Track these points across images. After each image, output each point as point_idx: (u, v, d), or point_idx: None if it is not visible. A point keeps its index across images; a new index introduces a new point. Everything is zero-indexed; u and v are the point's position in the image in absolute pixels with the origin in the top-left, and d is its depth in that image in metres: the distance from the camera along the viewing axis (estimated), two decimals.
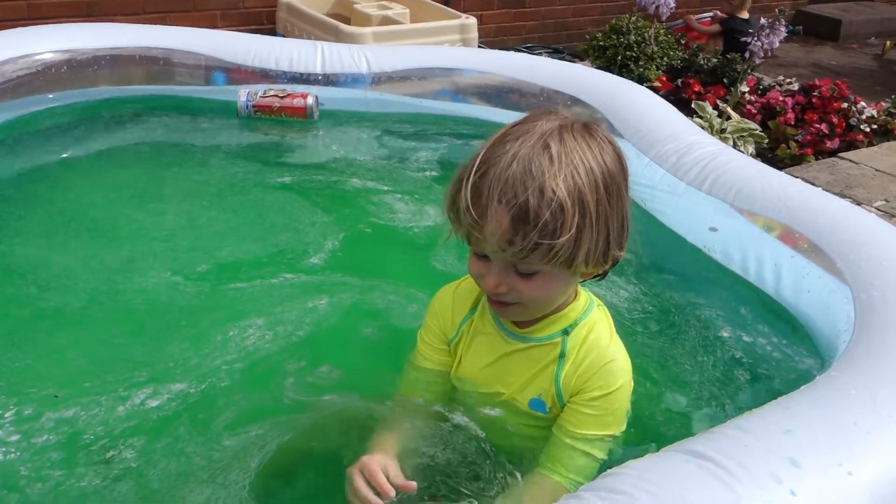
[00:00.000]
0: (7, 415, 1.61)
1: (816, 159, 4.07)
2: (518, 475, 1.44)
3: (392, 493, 1.26)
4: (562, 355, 1.40)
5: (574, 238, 1.20)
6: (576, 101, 3.10)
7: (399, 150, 3.14)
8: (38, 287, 2.10)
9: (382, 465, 1.30)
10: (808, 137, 4.19)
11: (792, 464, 1.19)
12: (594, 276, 1.37)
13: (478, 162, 1.23)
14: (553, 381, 1.41)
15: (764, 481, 1.16)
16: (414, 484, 1.30)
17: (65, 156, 3.03)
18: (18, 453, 1.53)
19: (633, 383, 1.43)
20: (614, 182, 1.25)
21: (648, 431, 1.63)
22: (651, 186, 2.54)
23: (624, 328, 1.86)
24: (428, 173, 2.94)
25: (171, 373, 1.77)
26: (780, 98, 4.49)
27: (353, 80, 3.34)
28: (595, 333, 1.41)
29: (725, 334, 2.05)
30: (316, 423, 1.60)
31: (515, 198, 1.18)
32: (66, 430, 1.58)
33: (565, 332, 1.40)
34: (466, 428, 1.48)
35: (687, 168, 2.52)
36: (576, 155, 1.21)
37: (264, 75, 3.29)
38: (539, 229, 1.18)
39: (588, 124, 1.28)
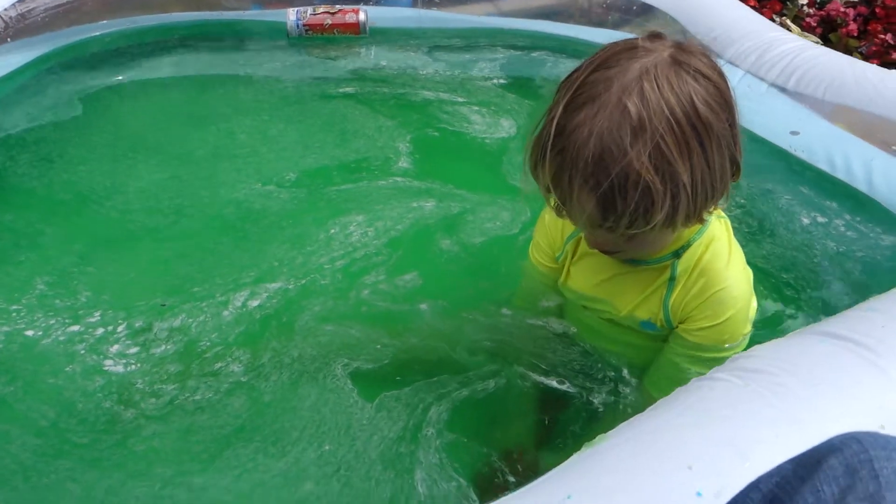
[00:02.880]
0: (119, 328, 1.59)
1: None
2: (628, 379, 1.42)
3: None
4: (671, 279, 1.28)
5: (670, 210, 1.05)
6: (645, 6, 2.97)
7: (458, 63, 3.03)
8: (118, 211, 2.06)
9: None
10: (873, 49, 4.02)
11: None
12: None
13: (553, 132, 1.05)
14: (661, 306, 1.31)
15: None
16: None
17: (115, 83, 2.95)
18: (134, 366, 1.52)
19: (753, 305, 1.29)
20: (711, 130, 1.03)
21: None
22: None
23: None
24: (495, 81, 2.85)
25: (275, 273, 1.74)
26: (841, 9, 4.30)
27: None
28: (710, 253, 1.26)
29: (818, 233, 1.97)
30: (417, 334, 1.57)
31: (598, 185, 1.02)
32: (179, 339, 1.56)
33: (676, 255, 1.26)
34: (573, 337, 1.47)
35: (769, 66, 2.41)
36: (661, 115, 1.00)
37: None
38: (629, 215, 1.04)
39: (675, 55, 1.05)
